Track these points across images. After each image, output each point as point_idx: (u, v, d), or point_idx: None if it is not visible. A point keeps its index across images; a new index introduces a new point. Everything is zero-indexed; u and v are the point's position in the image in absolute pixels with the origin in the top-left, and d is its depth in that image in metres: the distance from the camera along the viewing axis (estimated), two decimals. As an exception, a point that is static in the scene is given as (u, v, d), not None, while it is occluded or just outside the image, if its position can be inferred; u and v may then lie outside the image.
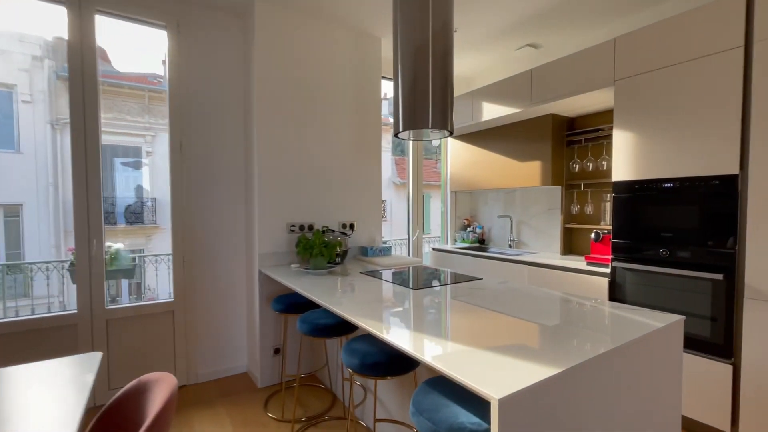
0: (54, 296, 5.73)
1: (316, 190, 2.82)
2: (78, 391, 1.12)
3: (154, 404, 1.06)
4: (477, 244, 4.01)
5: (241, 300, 2.85)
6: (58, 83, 7.32)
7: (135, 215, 7.90)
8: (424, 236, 4.04)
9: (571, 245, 3.24)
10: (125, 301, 5.63)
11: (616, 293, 2.37)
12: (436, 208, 5.11)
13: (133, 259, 4.82)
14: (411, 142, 3.92)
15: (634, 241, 2.28)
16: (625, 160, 2.32)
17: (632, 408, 1.16)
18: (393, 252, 3.90)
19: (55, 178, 7.21)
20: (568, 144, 3.17)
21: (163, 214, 7.88)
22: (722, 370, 1.94)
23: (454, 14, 2.29)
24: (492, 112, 3.30)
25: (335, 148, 2.90)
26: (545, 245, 3.44)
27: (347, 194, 2.97)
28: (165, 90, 2.62)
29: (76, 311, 2.31)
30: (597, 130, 2.94)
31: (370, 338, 1.57)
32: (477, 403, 1.02)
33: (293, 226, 2.72)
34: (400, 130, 2.04)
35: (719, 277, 1.92)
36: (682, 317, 1.36)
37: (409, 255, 3.99)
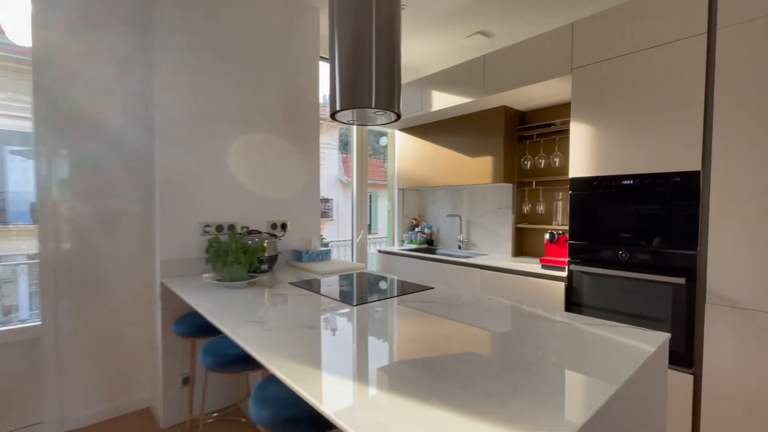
0: None
1: (239, 183, 2.35)
2: None
3: None
4: (425, 245, 3.76)
5: (141, 319, 2.29)
6: None
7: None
8: (372, 237, 3.70)
9: (522, 246, 3.08)
10: None
11: (573, 298, 2.20)
12: (385, 207, 4.80)
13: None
14: (354, 135, 3.56)
15: (591, 243, 2.12)
16: (583, 154, 2.16)
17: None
18: (334, 255, 3.51)
19: None
20: (520, 139, 3.00)
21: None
22: (683, 380, 1.81)
23: (402, -21, 1.97)
24: (442, 101, 3.04)
25: (263, 135, 2.44)
26: (495, 246, 3.26)
27: (279, 189, 2.53)
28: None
29: None
30: (550, 125, 2.80)
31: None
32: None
33: (208, 226, 2.22)
34: (338, 108, 1.67)
35: (681, 281, 1.79)
36: (667, 335, 1.14)
37: (352, 258, 3.63)
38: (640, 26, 1.93)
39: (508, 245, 3.13)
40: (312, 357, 1.00)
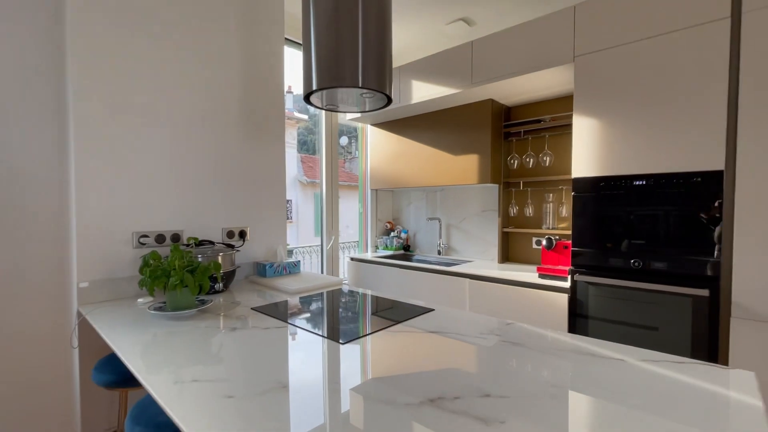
0: None
1: (185, 183, 1.90)
2: None
3: None
4: (401, 252, 3.45)
5: (57, 362, 1.77)
6: None
7: None
8: (339, 242, 3.33)
9: (508, 252, 2.86)
10: None
11: (577, 311, 1.98)
12: (347, 209, 4.43)
13: None
14: (324, 131, 3.17)
15: (598, 250, 1.91)
16: (588, 152, 1.94)
17: None
18: (302, 267, 3.11)
19: None
20: (506, 137, 2.78)
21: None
22: (704, 402, 1.63)
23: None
24: (423, 92, 2.74)
25: (216, 127, 2.01)
26: (480, 252, 3.02)
27: (236, 191, 2.11)
28: None
29: None
30: (539, 121, 2.59)
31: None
32: None
33: (145, 236, 1.76)
34: (314, 88, 1.31)
35: (704, 292, 1.61)
36: (752, 373, 0.90)
37: (321, 269, 3.24)
38: (652, 10, 1.73)
39: (494, 251, 2.90)
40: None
